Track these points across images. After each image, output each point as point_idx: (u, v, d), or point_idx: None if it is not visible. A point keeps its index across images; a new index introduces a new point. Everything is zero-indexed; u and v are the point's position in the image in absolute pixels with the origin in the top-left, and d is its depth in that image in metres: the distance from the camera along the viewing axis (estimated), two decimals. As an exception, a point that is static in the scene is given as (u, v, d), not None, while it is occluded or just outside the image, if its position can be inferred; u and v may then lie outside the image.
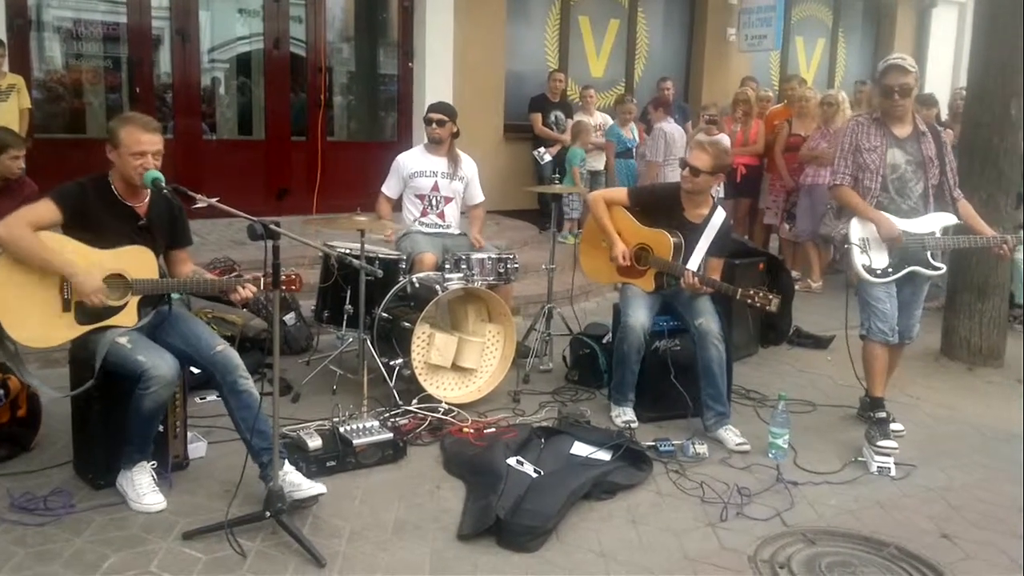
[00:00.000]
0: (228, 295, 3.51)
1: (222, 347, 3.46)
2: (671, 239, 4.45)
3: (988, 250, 4.47)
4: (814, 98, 8.09)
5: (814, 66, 12.62)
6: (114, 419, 3.42)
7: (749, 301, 4.16)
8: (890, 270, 4.31)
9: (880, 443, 4.11)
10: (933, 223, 4.34)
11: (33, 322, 3.24)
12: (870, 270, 4.31)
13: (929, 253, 4.32)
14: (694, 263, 4.42)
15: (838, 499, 3.72)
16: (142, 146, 3.32)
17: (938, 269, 4.40)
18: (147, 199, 3.50)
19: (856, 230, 4.34)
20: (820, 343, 6.07)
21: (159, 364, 3.26)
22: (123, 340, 3.32)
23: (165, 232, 3.57)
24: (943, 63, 13.60)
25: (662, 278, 4.52)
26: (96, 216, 3.34)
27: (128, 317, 3.40)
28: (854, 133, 4.41)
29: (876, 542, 3.34)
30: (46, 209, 3.27)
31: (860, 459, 4.09)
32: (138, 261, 3.41)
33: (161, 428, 3.57)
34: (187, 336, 3.50)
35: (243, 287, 3.43)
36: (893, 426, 4.35)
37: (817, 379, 5.38)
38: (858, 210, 4.34)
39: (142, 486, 3.38)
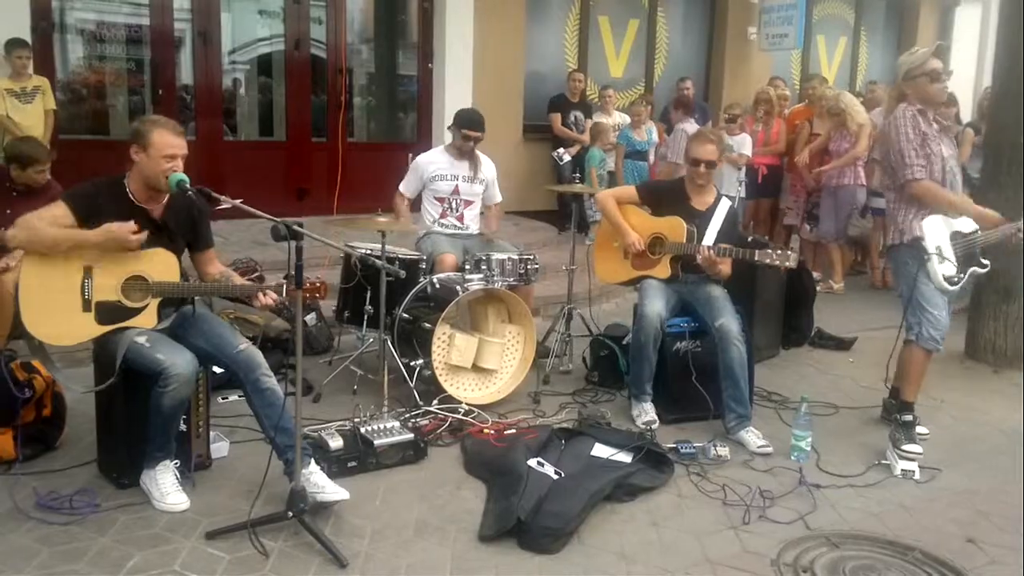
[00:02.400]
0: (251, 301, 3.52)
1: (244, 345, 3.48)
2: (684, 224, 4.51)
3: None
4: (834, 98, 8.03)
5: (835, 65, 12.53)
6: (138, 419, 3.44)
7: (768, 261, 4.22)
8: (959, 278, 4.16)
9: (905, 447, 4.07)
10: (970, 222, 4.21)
11: (54, 320, 3.28)
12: (949, 280, 4.14)
13: (979, 251, 4.18)
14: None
15: (862, 502, 3.69)
16: (173, 149, 3.36)
17: (986, 266, 4.21)
18: (164, 202, 3.51)
19: (931, 238, 4.12)
20: (842, 345, 6.03)
21: (178, 362, 3.29)
22: (142, 339, 3.34)
23: (184, 235, 3.59)
24: (966, 62, 13.46)
25: (677, 264, 4.53)
26: (108, 219, 3.33)
27: (148, 319, 3.42)
28: (915, 123, 4.13)
29: (901, 546, 3.31)
30: (59, 211, 3.29)
31: (884, 462, 4.06)
32: (160, 264, 3.43)
33: (184, 427, 3.60)
34: (210, 336, 3.52)
35: (264, 294, 3.40)
36: (918, 429, 4.29)
37: (839, 381, 5.34)
38: (952, 205, 4.13)
39: (165, 485, 3.40)
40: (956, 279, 4.15)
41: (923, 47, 4.27)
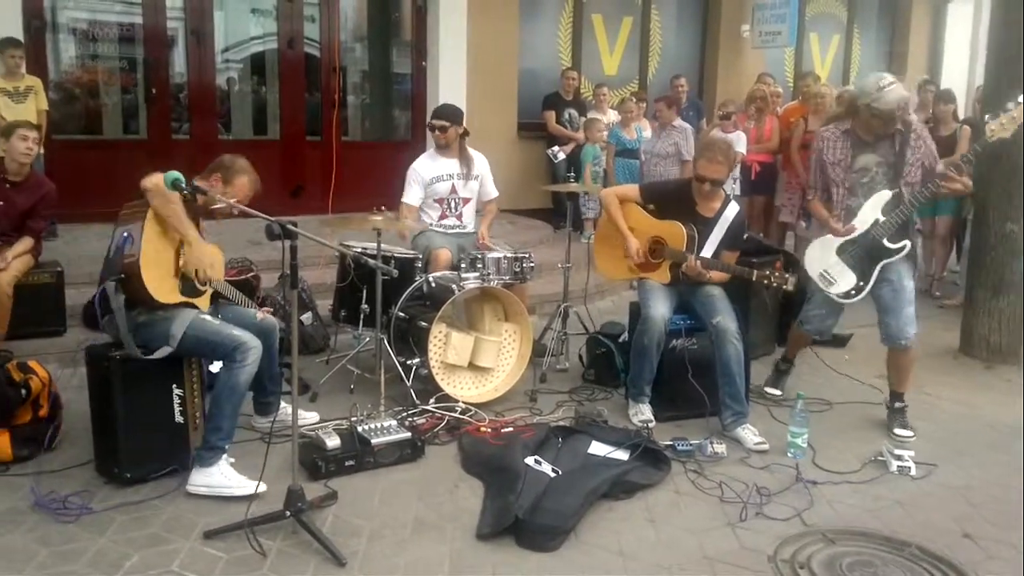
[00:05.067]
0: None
1: (262, 316, 3.92)
2: (684, 230, 4.47)
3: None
4: (829, 95, 8.03)
5: (828, 62, 12.55)
6: (136, 414, 3.48)
7: (766, 282, 4.24)
8: (862, 284, 4.38)
9: (896, 430, 4.42)
10: (872, 210, 4.32)
11: (160, 275, 3.48)
12: (847, 295, 4.44)
13: (884, 239, 4.30)
14: (707, 255, 4.44)
15: (858, 498, 3.70)
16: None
17: (901, 250, 4.31)
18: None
19: (813, 266, 4.52)
20: (838, 341, 6.03)
21: (253, 337, 3.56)
22: (207, 317, 3.60)
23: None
24: (959, 58, 13.52)
25: (677, 270, 4.52)
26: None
27: (205, 301, 3.73)
28: (820, 149, 4.48)
29: (897, 542, 3.32)
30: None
31: (880, 458, 4.07)
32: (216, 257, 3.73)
33: (182, 420, 3.62)
34: (226, 314, 3.77)
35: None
36: (901, 432, 4.43)
37: (835, 378, 5.34)
38: (824, 224, 4.48)
39: (234, 475, 3.49)
40: (855, 290, 4.40)
41: (896, 83, 4.20)
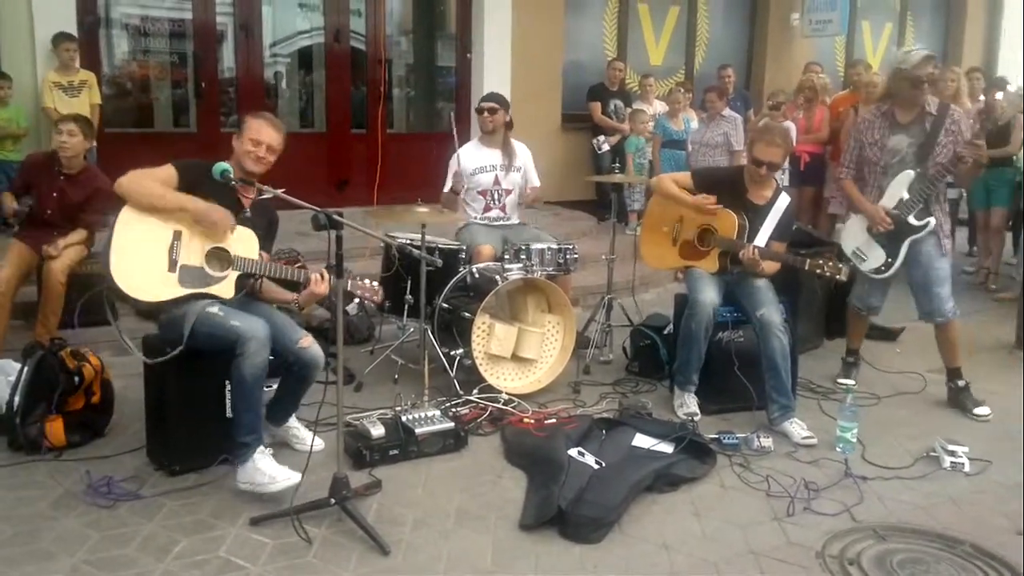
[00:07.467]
0: (304, 288, 3.66)
1: (308, 343, 3.59)
2: (735, 218, 4.40)
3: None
4: (881, 84, 7.86)
5: (881, 51, 12.28)
6: (190, 405, 3.52)
7: (818, 271, 4.16)
8: (890, 260, 4.58)
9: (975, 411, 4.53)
10: (898, 188, 4.50)
11: (140, 274, 3.37)
12: (878, 271, 4.65)
13: (910, 217, 4.47)
14: (759, 244, 4.36)
15: (910, 495, 3.62)
16: (259, 135, 3.63)
17: (925, 227, 4.48)
18: (253, 197, 3.70)
19: (847, 243, 4.76)
20: (888, 335, 5.91)
21: (253, 326, 3.39)
22: (214, 309, 3.44)
23: (260, 232, 3.69)
24: (1017, 46, 13.14)
25: (726, 258, 4.46)
26: (205, 195, 3.48)
27: (226, 289, 3.53)
28: (859, 131, 4.68)
29: (950, 539, 3.24)
30: (166, 172, 3.48)
31: (932, 454, 3.98)
32: (243, 241, 3.57)
33: (232, 414, 3.65)
34: (270, 322, 3.57)
35: (321, 277, 3.59)
36: (980, 411, 4.54)
37: (885, 372, 5.24)
38: (855, 203, 4.69)
39: (271, 468, 3.40)
40: (884, 266, 4.61)
41: (922, 48, 4.52)
